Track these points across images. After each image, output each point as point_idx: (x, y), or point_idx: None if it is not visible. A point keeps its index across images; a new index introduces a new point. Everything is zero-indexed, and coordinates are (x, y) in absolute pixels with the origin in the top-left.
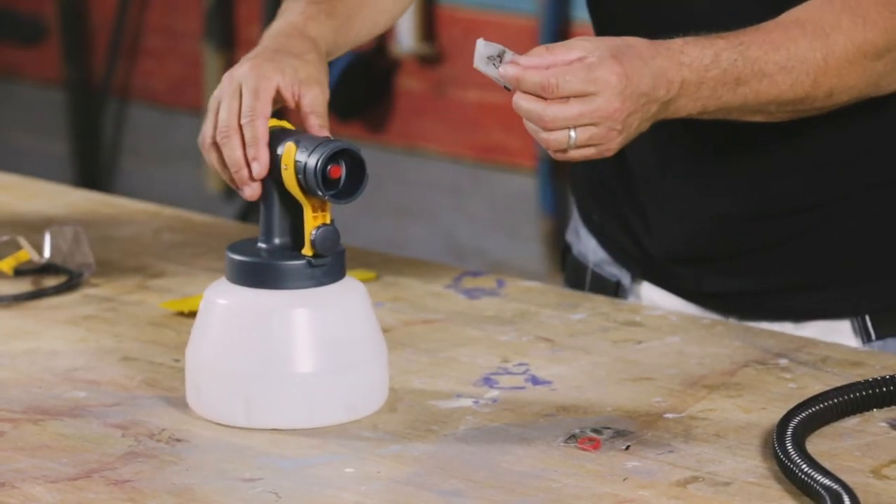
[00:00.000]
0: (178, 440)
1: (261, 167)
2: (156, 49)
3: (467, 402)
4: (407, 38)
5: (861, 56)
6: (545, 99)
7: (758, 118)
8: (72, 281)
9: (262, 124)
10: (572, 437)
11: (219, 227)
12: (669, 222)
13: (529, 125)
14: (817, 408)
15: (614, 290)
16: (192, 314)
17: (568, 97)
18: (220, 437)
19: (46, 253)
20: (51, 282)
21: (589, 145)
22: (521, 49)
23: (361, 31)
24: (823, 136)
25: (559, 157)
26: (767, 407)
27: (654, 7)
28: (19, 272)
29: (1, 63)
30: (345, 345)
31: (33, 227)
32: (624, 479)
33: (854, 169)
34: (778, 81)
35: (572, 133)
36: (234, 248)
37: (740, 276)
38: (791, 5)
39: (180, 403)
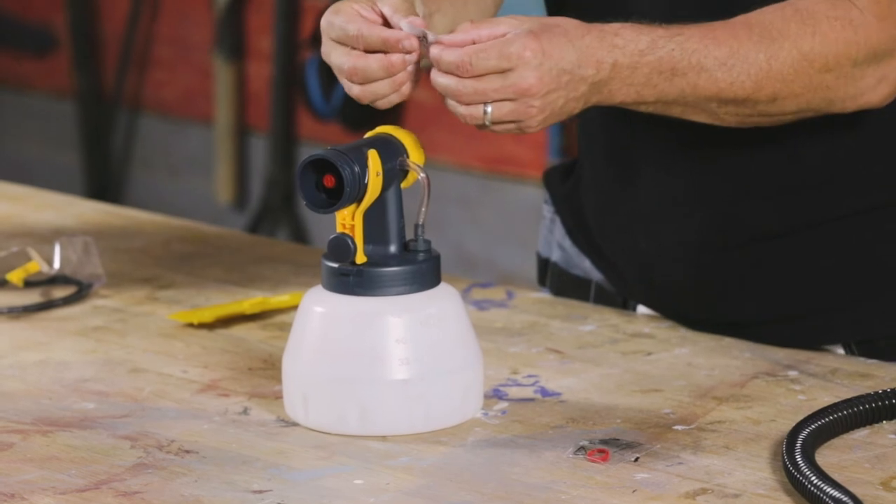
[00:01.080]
0: (188, 451)
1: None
2: (166, 60)
3: (477, 414)
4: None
5: (807, 64)
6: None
7: (702, 117)
8: (81, 292)
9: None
10: (581, 449)
11: (228, 238)
12: (634, 247)
13: (448, 102)
14: (827, 420)
15: (622, 304)
16: (202, 325)
17: (483, 74)
18: (229, 449)
19: (56, 264)
20: (60, 293)
21: (507, 121)
22: None
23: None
24: (784, 164)
25: (481, 130)
26: (777, 419)
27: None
28: (29, 283)
29: (12, 74)
30: (446, 350)
31: (43, 238)
32: (633, 491)
33: (818, 198)
34: (717, 77)
35: (488, 108)
36: (330, 254)
37: (719, 307)
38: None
39: (189, 415)
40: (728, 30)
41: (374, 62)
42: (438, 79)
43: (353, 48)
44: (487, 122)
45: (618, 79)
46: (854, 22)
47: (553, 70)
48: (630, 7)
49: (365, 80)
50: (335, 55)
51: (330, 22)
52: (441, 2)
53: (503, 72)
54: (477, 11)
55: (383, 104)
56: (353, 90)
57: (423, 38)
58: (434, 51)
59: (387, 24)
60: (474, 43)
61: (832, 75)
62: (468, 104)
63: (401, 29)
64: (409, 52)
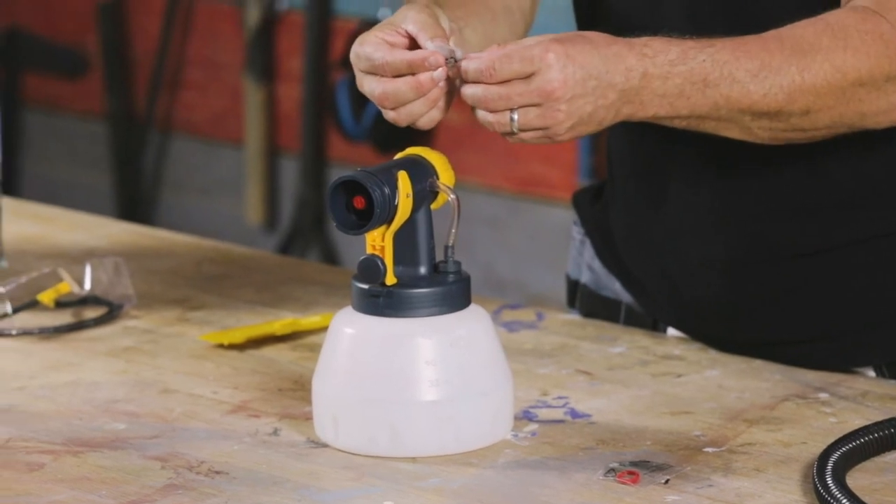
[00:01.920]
0: (218, 472)
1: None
2: (197, 81)
3: (507, 435)
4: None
5: (840, 77)
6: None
7: (735, 132)
8: (112, 313)
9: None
10: (611, 471)
11: (259, 259)
12: (663, 267)
13: (477, 112)
14: (858, 442)
15: (652, 325)
16: (232, 346)
17: (508, 79)
18: (259, 470)
19: (87, 285)
20: (91, 313)
21: (535, 128)
22: None
23: (490, 25)
24: (813, 184)
25: (511, 140)
26: (808, 441)
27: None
28: (60, 304)
29: (44, 96)
30: (476, 371)
31: (74, 259)
32: None
33: (847, 218)
34: (750, 89)
35: (514, 114)
36: (360, 276)
37: (747, 327)
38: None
39: (219, 435)
40: (759, 43)
41: (402, 84)
42: (465, 89)
43: (383, 76)
44: (515, 129)
45: (649, 88)
46: (885, 36)
47: (577, 73)
48: (661, 25)
49: (397, 104)
50: (366, 84)
51: (356, 53)
52: (469, 17)
53: (527, 76)
54: (507, 27)
55: (424, 123)
56: (390, 115)
57: (451, 59)
58: (462, 64)
59: (414, 44)
60: None
61: (865, 89)
62: (495, 111)
63: (426, 48)
64: (435, 69)
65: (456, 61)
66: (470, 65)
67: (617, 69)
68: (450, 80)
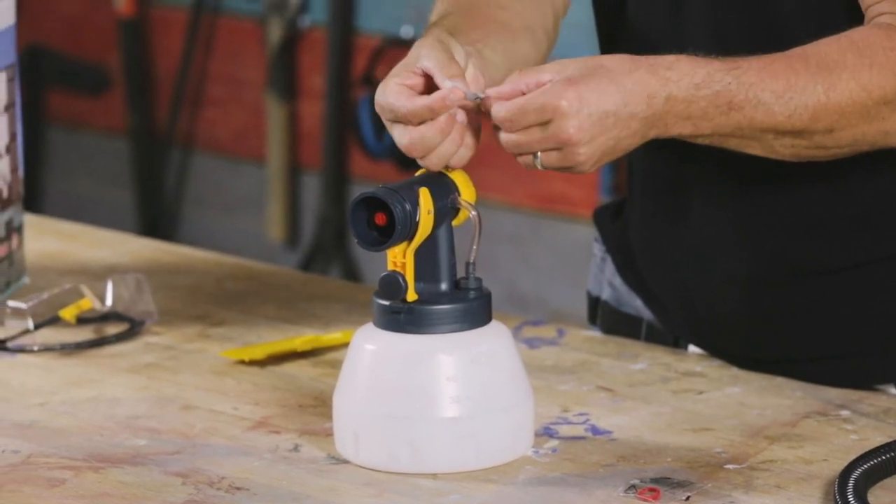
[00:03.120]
0: (238, 488)
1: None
2: (219, 98)
3: (527, 452)
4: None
5: (865, 95)
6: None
7: (757, 150)
8: (133, 329)
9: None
10: (632, 488)
11: (280, 276)
12: (684, 284)
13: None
14: (879, 459)
15: (673, 342)
16: (253, 362)
17: (526, 127)
18: (279, 486)
19: (109, 301)
20: (112, 330)
21: (558, 168)
22: None
23: (506, 46)
24: (835, 201)
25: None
26: (829, 458)
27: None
28: (82, 320)
29: (66, 112)
30: (497, 388)
31: (96, 276)
32: None
33: (868, 235)
34: (775, 111)
35: (537, 158)
36: (381, 292)
37: (768, 344)
38: (783, 39)
39: (240, 451)
40: (785, 62)
41: (427, 130)
42: (497, 132)
43: (408, 124)
44: (539, 167)
45: (673, 112)
46: None
47: (593, 115)
48: (684, 41)
49: (426, 151)
50: (396, 135)
51: (380, 105)
52: (487, 38)
53: (543, 124)
54: (529, 45)
55: (456, 162)
56: (422, 162)
57: (475, 99)
58: (487, 103)
59: (431, 81)
60: (523, 93)
61: (889, 107)
62: (518, 155)
63: (444, 87)
64: (455, 104)
65: (480, 99)
66: (494, 113)
67: (638, 99)
68: (473, 116)
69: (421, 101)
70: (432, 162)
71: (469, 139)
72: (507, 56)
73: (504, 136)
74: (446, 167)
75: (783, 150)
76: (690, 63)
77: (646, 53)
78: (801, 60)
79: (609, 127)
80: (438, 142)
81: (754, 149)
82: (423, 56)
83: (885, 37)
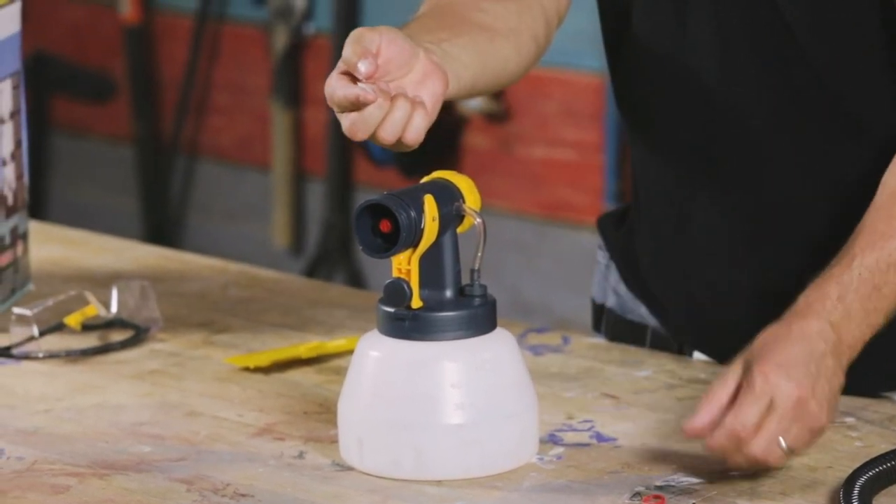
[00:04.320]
0: (243, 495)
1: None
2: (224, 106)
3: (532, 458)
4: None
5: None
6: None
7: None
8: (138, 336)
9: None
10: (637, 495)
11: (285, 282)
12: (689, 293)
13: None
14: (884, 466)
15: (678, 349)
16: (258, 369)
17: (758, 425)
18: (284, 493)
19: (113, 308)
20: (117, 336)
21: (807, 440)
22: (585, 105)
23: (481, 46)
24: (842, 214)
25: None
26: (834, 465)
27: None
28: (87, 327)
29: (71, 120)
30: (501, 395)
31: (101, 282)
32: None
33: None
34: None
35: (783, 443)
36: (386, 299)
37: None
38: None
39: (245, 458)
40: (884, 215)
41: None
42: (721, 442)
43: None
44: (786, 451)
45: (844, 331)
46: None
47: (799, 368)
48: (688, 49)
49: (369, 129)
50: (341, 121)
51: (327, 97)
52: (458, 37)
53: (769, 407)
54: (511, 48)
55: (411, 133)
56: (375, 139)
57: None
58: (707, 445)
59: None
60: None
61: None
62: (766, 458)
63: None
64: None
65: None
66: (718, 441)
67: (815, 342)
68: (427, 84)
69: (343, 92)
70: (383, 137)
71: (420, 108)
72: (479, 55)
73: (754, 447)
74: (403, 142)
75: None
76: (817, 288)
77: (650, 62)
78: (893, 199)
79: (814, 372)
80: (379, 116)
81: None
82: (345, 48)
83: None
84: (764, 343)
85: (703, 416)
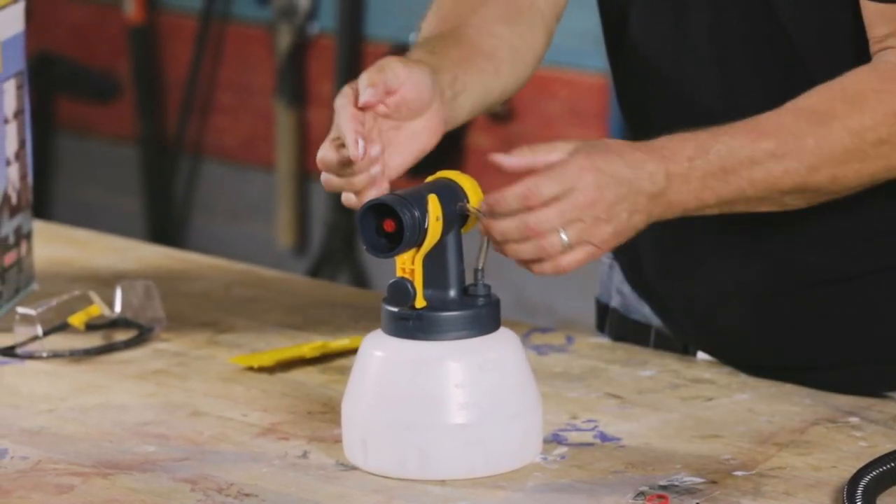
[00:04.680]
0: (247, 495)
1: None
2: (228, 106)
3: (536, 458)
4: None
5: (859, 141)
6: (525, 210)
7: (768, 207)
8: (142, 335)
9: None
10: (641, 494)
11: (289, 283)
12: (692, 294)
13: (517, 248)
14: (888, 466)
15: (682, 349)
16: (262, 369)
17: (548, 201)
18: (288, 493)
19: (117, 307)
20: (121, 336)
21: (584, 242)
22: (589, 105)
23: (485, 77)
24: (844, 212)
25: (550, 269)
26: (838, 465)
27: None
28: (90, 327)
29: (75, 119)
30: (505, 394)
31: (105, 282)
32: None
33: (878, 246)
34: (770, 169)
35: (563, 235)
36: (390, 299)
37: (777, 353)
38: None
39: (249, 458)
40: (774, 120)
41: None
42: (502, 224)
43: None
44: (566, 244)
45: (673, 188)
46: None
47: (611, 182)
48: (686, 49)
49: (330, 188)
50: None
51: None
52: (468, 75)
53: (565, 193)
54: (512, 77)
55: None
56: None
57: (481, 212)
58: (492, 198)
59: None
60: (532, 171)
61: (888, 146)
62: (542, 236)
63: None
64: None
65: (481, 213)
66: (509, 194)
67: (642, 175)
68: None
69: (322, 153)
70: (344, 201)
71: (376, 186)
72: (483, 93)
73: (528, 217)
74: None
75: (795, 202)
76: (680, 139)
77: (648, 64)
78: (791, 115)
79: (623, 196)
80: (342, 185)
81: (766, 207)
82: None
83: (876, 79)
84: (606, 146)
85: (515, 159)
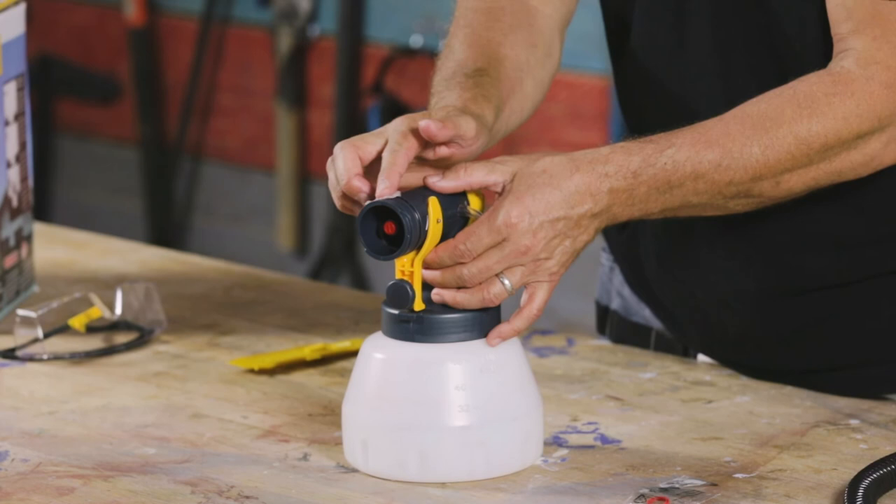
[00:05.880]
0: (247, 497)
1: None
2: (229, 108)
3: (536, 461)
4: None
5: (805, 147)
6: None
7: (713, 211)
8: (143, 338)
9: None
10: (641, 497)
11: (290, 284)
12: (693, 298)
13: (455, 297)
14: (888, 469)
15: (683, 351)
16: (262, 371)
17: (483, 252)
18: (288, 495)
19: (118, 310)
20: (122, 338)
21: (530, 280)
22: (590, 107)
23: (511, 118)
24: (843, 216)
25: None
26: (838, 468)
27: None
28: (91, 329)
29: (76, 121)
30: (505, 397)
31: (106, 284)
32: None
33: (877, 250)
34: (714, 179)
35: (504, 280)
36: (389, 301)
37: (778, 356)
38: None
39: (249, 460)
40: (721, 128)
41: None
42: (442, 277)
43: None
44: (510, 290)
45: (617, 203)
46: (856, 95)
47: (544, 223)
48: (687, 54)
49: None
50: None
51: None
52: (509, 103)
53: (499, 244)
54: (531, 105)
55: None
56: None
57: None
58: (428, 257)
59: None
60: (469, 188)
61: (833, 151)
62: (482, 284)
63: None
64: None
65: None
66: (439, 256)
67: (583, 199)
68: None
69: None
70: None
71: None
72: (510, 126)
73: (458, 272)
74: None
75: (739, 207)
76: (625, 152)
77: (650, 69)
78: (738, 123)
79: (560, 230)
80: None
81: (711, 212)
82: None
83: (829, 83)
84: (542, 173)
85: (450, 182)
